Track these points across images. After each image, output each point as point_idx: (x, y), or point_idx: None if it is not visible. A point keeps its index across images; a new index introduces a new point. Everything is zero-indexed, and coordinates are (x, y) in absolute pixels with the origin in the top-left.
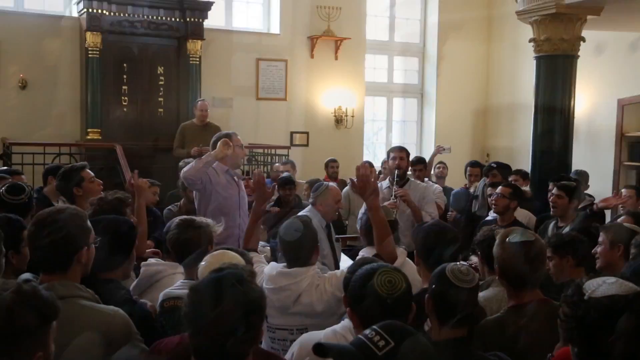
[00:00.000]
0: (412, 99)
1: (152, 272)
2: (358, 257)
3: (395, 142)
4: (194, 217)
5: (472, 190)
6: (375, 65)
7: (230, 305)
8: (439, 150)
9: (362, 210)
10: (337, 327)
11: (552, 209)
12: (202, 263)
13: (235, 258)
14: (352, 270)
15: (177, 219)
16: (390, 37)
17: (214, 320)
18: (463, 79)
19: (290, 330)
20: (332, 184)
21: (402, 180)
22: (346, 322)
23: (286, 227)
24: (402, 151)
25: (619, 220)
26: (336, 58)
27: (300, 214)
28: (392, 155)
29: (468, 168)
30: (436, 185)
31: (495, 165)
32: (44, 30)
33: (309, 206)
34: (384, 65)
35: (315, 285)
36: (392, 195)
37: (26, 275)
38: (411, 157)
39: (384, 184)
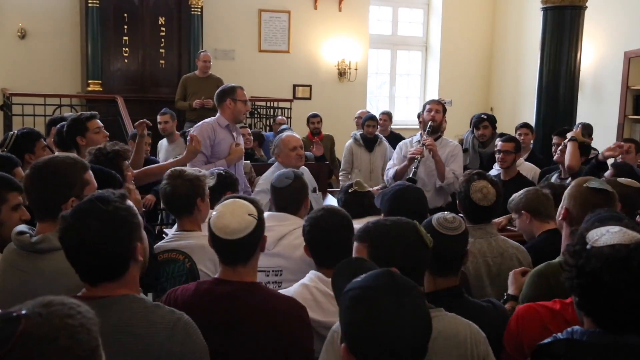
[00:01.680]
0: (416, 51)
1: None
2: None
3: (399, 96)
4: (184, 168)
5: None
6: (379, 17)
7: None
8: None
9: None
10: (305, 280)
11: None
12: (214, 212)
13: (246, 206)
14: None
15: (169, 171)
16: None
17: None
18: (468, 32)
19: (266, 272)
20: (293, 133)
21: (434, 135)
22: (312, 274)
23: (278, 175)
24: (438, 104)
25: (605, 174)
26: (340, 9)
27: (268, 170)
28: (427, 107)
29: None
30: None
31: (486, 117)
32: None
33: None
34: (388, 17)
35: (299, 233)
36: (421, 143)
37: (21, 227)
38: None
39: (414, 137)
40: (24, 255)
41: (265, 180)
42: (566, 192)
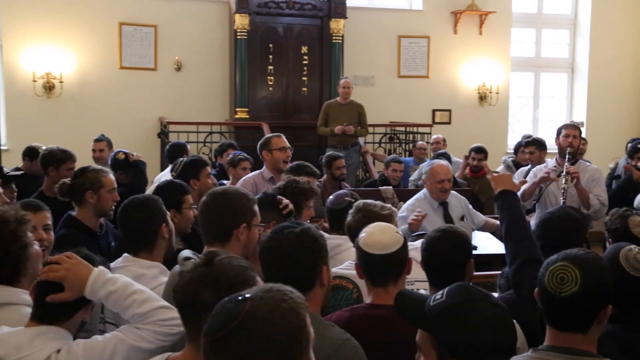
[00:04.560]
0: (562, 73)
1: (334, 244)
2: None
3: (543, 120)
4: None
5: (611, 166)
6: (521, 39)
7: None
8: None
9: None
10: None
11: None
12: (362, 234)
13: (391, 227)
14: None
15: (357, 204)
16: (539, 8)
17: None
18: (618, 51)
19: None
20: (445, 163)
21: (572, 160)
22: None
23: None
24: (575, 128)
25: None
26: (480, 33)
27: (414, 197)
28: (563, 132)
29: (628, 145)
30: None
31: None
32: (196, 14)
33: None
34: (531, 39)
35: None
36: (561, 173)
37: (186, 253)
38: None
39: (549, 163)
40: None
41: (408, 207)
42: None
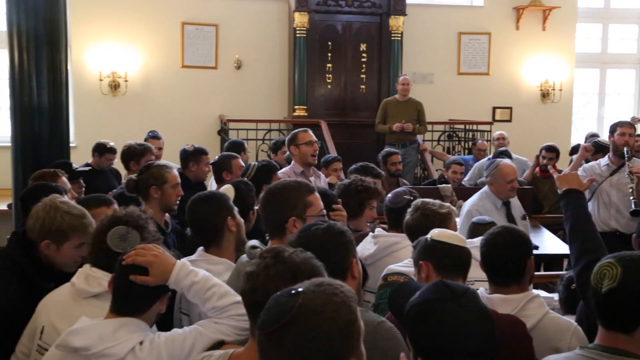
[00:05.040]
0: (629, 69)
1: (391, 242)
2: None
3: (608, 117)
4: (427, 200)
5: None
6: (587, 35)
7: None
8: (634, 120)
9: None
10: None
11: None
12: (430, 235)
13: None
14: None
15: (416, 203)
16: (606, 3)
17: None
18: None
19: None
20: (510, 162)
21: (630, 158)
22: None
23: (478, 221)
24: (631, 127)
25: None
26: (544, 29)
27: (476, 195)
28: (619, 130)
29: None
30: None
31: None
32: (256, 13)
33: (485, 187)
34: (597, 35)
35: None
36: (615, 171)
37: (253, 242)
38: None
39: (602, 161)
40: None
41: (472, 206)
42: None
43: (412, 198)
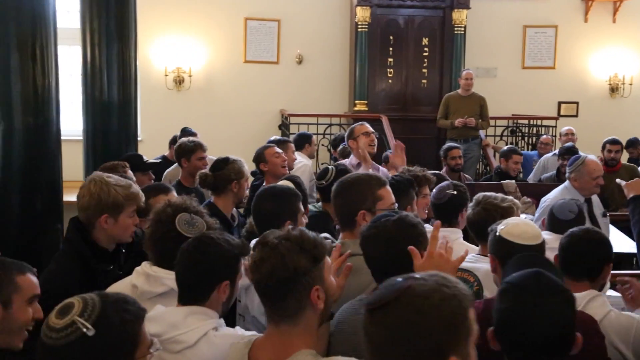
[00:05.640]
0: None
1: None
2: None
3: None
4: (488, 194)
5: None
6: None
7: None
8: None
9: None
10: None
11: None
12: (501, 226)
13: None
14: None
15: (477, 197)
16: None
17: None
18: None
19: None
20: (596, 159)
21: None
22: None
23: (561, 206)
24: None
25: None
26: (614, 21)
27: (556, 189)
28: None
29: None
30: None
31: None
32: (318, 8)
33: (566, 181)
34: None
35: None
36: None
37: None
38: None
39: None
40: None
41: (552, 200)
42: None
43: (454, 192)
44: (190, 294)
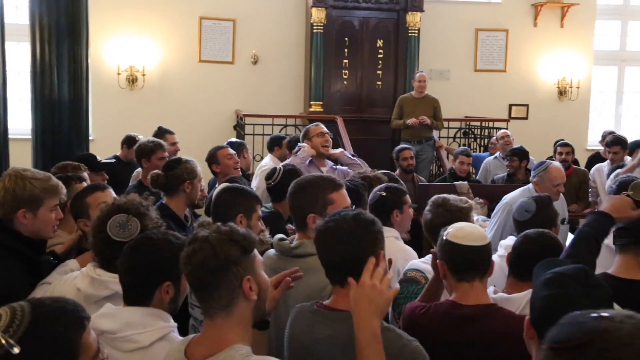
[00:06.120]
0: None
1: None
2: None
3: (626, 115)
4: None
5: None
6: (605, 32)
7: None
8: None
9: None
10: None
11: None
12: (449, 229)
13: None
14: None
15: (436, 199)
16: (625, 0)
17: None
18: None
19: None
20: (560, 166)
21: None
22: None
23: (520, 207)
24: None
25: None
26: (562, 26)
27: (518, 189)
28: None
29: None
30: None
31: None
32: (274, 8)
33: (529, 184)
34: (616, 32)
35: None
36: None
37: (281, 235)
38: None
39: (627, 159)
40: (282, 258)
41: (512, 199)
42: None
43: (384, 194)
44: (133, 295)
